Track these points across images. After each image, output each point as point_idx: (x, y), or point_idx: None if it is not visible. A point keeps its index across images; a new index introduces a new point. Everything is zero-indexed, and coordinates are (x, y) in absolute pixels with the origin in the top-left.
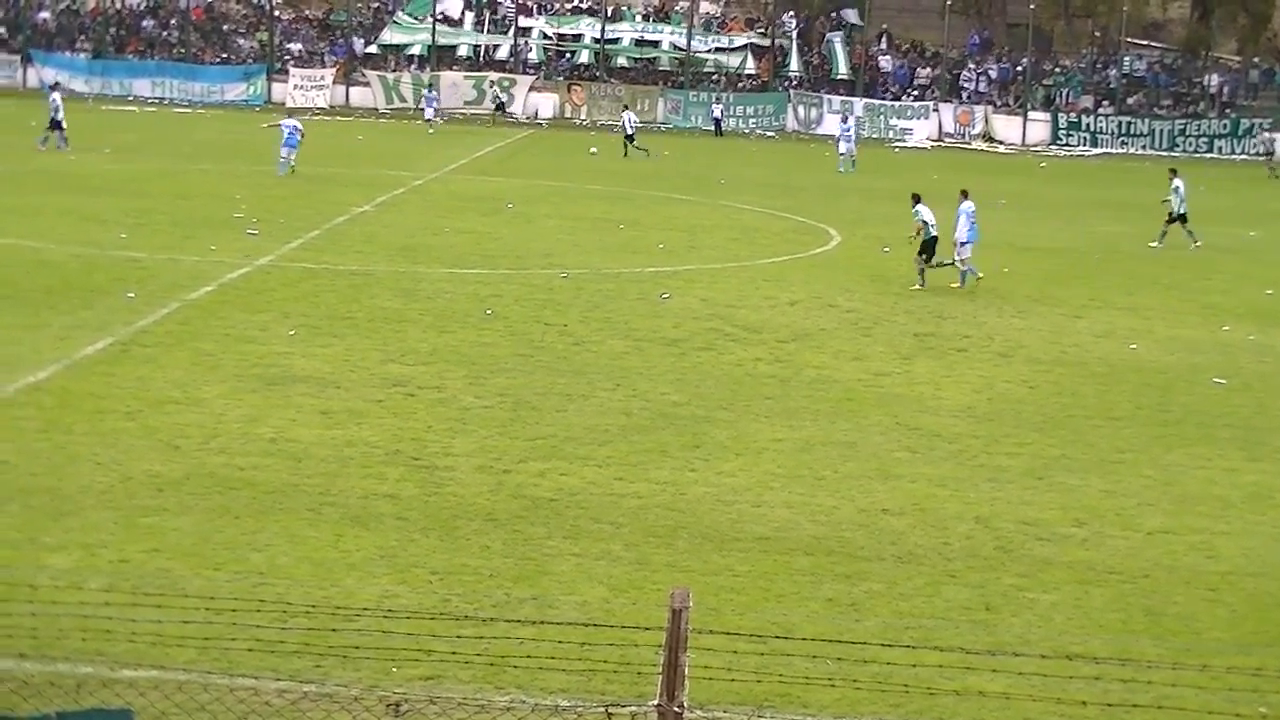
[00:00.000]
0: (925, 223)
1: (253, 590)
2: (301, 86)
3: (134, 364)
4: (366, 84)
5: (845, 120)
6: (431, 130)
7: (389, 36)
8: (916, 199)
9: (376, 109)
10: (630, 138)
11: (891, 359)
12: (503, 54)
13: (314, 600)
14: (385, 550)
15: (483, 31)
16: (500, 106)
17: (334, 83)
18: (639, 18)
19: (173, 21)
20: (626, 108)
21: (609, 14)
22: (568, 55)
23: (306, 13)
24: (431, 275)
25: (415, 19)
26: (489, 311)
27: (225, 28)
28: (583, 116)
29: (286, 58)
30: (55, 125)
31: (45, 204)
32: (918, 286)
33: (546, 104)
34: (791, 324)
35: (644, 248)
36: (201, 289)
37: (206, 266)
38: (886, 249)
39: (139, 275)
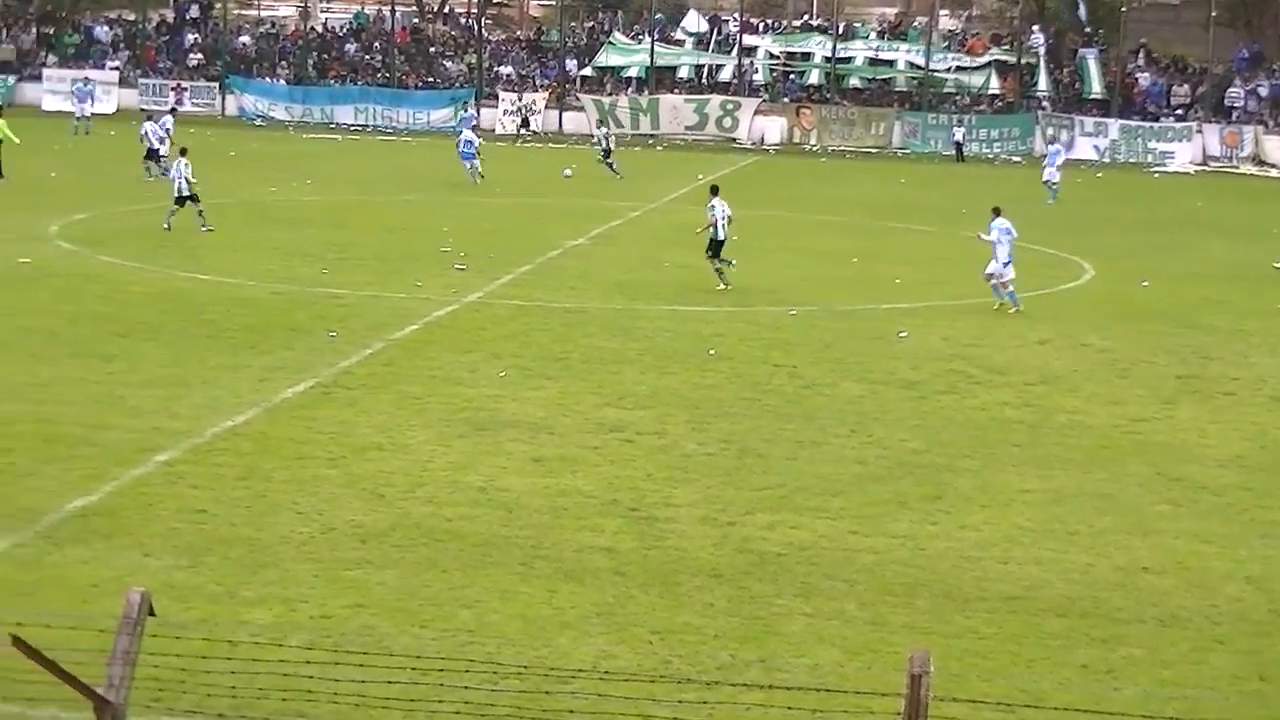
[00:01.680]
0: (715, 221)
1: (461, 649)
2: (512, 112)
3: (336, 407)
4: (581, 108)
5: (1053, 143)
6: (477, 179)
7: (605, 58)
8: (714, 191)
9: (591, 134)
10: (607, 153)
11: (1151, 403)
12: (726, 75)
13: (526, 660)
14: (601, 607)
15: (705, 51)
16: (525, 123)
17: (546, 107)
18: (873, 35)
19: (376, 45)
20: (602, 123)
21: (840, 31)
22: (795, 76)
23: (517, 34)
24: (650, 313)
25: (632, 40)
26: (712, 351)
27: (431, 50)
28: (812, 141)
29: (497, 81)
30: (152, 155)
31: (245, 238)
32: (721, 288)
33: (773, 128)
34: (1041, 365)
35: (879, 282)
36: (406, 327)
37: (412, 303)
38: (1145, 283)
39: (341, 313)
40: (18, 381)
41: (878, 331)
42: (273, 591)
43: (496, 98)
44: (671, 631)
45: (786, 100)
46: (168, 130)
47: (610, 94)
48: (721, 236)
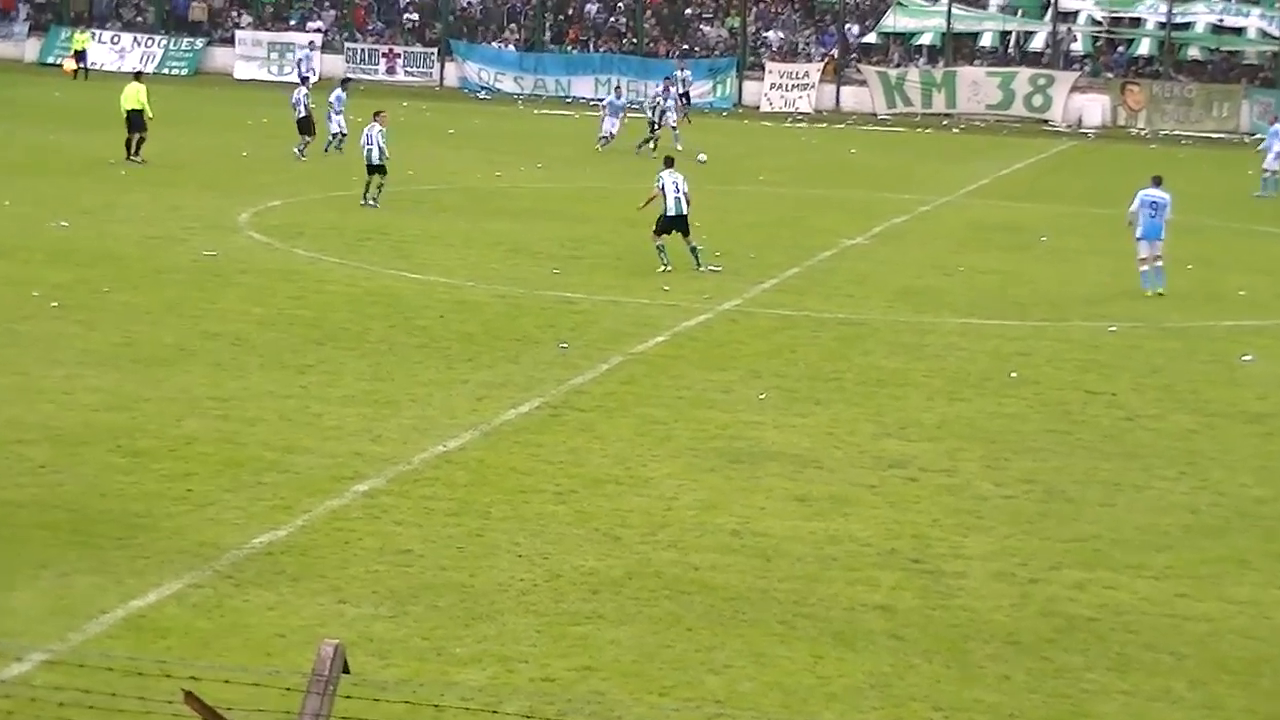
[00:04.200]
0: (665, 193)
1: None
2: (780, 86)
3: (566, 432)
4: (862, 82)
5: (1276, 122)
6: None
7: (893, 21)
8: (668, 163)
9: (874, 114)
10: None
11: None
12: (1038, 43)
13: None
14: (876, 677)
15: (1013, 15)
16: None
17: (821, 81)
18: None
19: (622, 6)
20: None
21: None
22: (1122, 46)
23: None
24: (941, 326)
25: (926, 1)
26: (1014, 374)
27: (687, 12)
28: (1140, 124)
29: (762, 50)
30: (305, 127)
31: (464, 231)
32: (662, 269)
33: (1093, 108)
34: None
35: (1219, 294)
36: (651, 339)
37: (657, 311)
38: None
39: (574, 320)
40: (198, 394)
41: (1216, 353)
42: (487, 648)
43: (762, 68)
44: (959, 709)
45: (1110, 75)
46: (328, 101)
47: (898, 65)
48: (676, 212)
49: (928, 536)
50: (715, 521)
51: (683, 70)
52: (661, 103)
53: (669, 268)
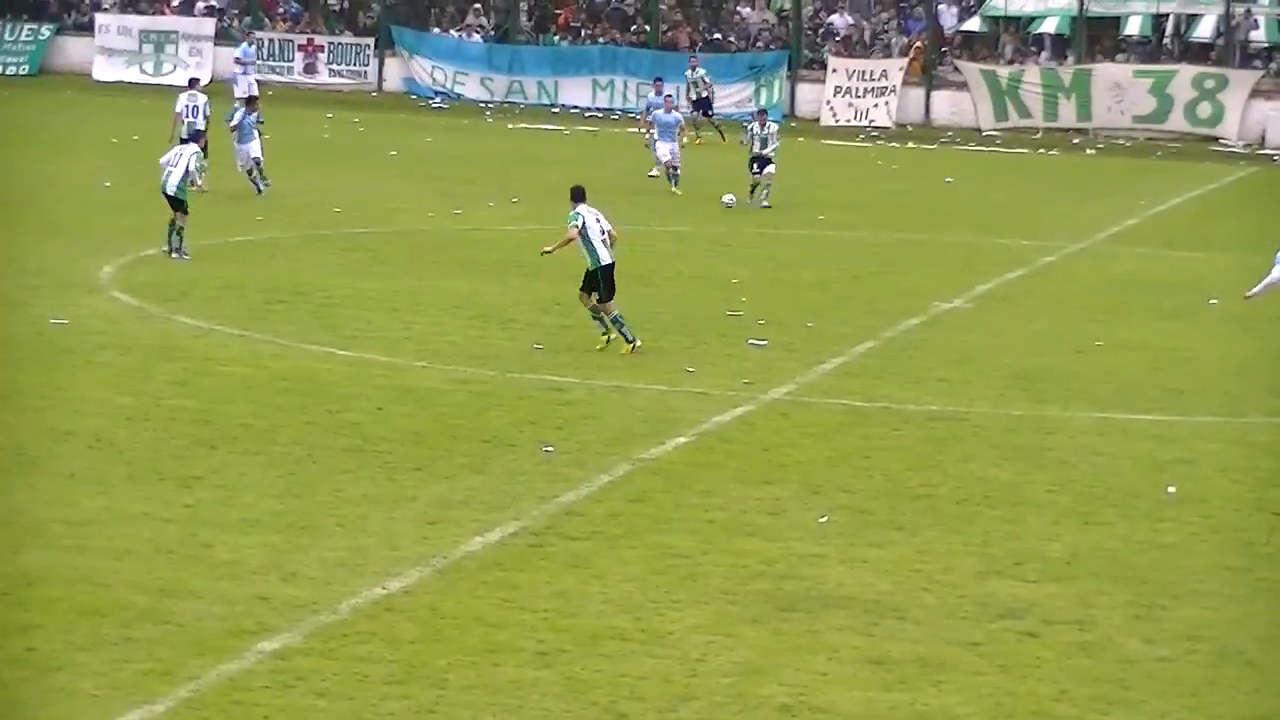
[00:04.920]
0: (586, 235)
1: None
2: (849, 90)
3: (553, 569)
4: (962, 84)
5: None
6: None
7: (1003, 2)
8: (577, 197)
9: (978, 128)
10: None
11: None
12: (1204, 31)
13: None
14: None
15: None
16: (701, 106)
17: (904, 83)
18: None
19: None
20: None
21: None
22: None
23: None
24: (1070, 422)
25: None
26: (1171, 489)
27: None
28: None
29: (823, 40)
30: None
31: (411, 289)
32: (602, 345)
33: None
34: None
35: None
36: (669, 440)
37: (678, 401)
38: None
39: (563, 414)
40: (42, 517)
41: None
42: None
43: (823, 66)
44: None
45: None
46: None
47: (1010, 62)
48: (602, 261)
49: (1053, 715)
50: (759, 693)
51: (695, 69)
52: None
53: (609, 340)
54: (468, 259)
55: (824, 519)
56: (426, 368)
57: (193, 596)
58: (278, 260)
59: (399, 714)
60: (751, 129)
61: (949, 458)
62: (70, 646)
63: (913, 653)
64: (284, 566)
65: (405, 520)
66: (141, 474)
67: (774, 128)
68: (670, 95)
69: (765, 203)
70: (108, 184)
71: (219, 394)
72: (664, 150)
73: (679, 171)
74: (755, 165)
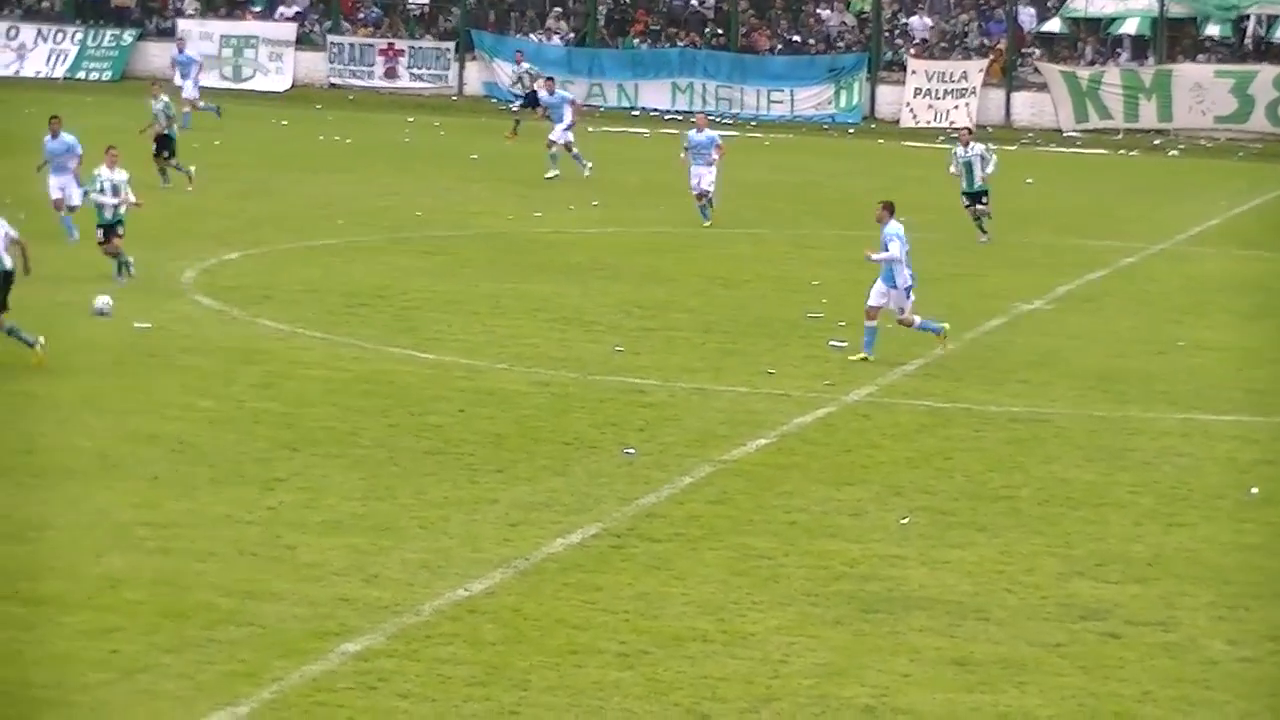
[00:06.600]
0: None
1: None
2: (929, 92)
3: (634, 571)
4: (1042, 85)
5: None
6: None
7: (1083, 3)
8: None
9: (1059, 129)
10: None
11: None
12: None
13: None
14: None
15: None
16: (530, 101)
17: (984, 84)
18: None
19: None
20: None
21: None
22: None
23: None
24: (1154, 425)
25: None
26: (1254, 490)
27: None
28: None
29: (903, 43)
30: (163, 144)
31: (493, 293)
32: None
33: None
34: None
35: None
36: (750, 442)
37: (759, 403)
38: None
39: (644, 416)
40: (124, 520)
41: None
42: None
43: (903, 67)
44: None
45: None
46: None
47: (1091, 63)
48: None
49: (1136, 716)
50: (841, 694)
51: (520, 63)
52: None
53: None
54: (548, 262)
55: (905, 520)
56: (507, 370)
57: (276, 598)
58: (358, 263)
59: (481, 715)
60: (955, 153)
61: (1031, 459)
62: (154, 648)
63: (995, 654)
64: (366, 568)
65: (487, 522)
66: (224, 476)
67: (979, 149)
68: (704, 113)
69: (984, 235)
70: (189, 189)
71: (301, 397)
72: (695, 176)
73: (711, 200)
74: (968, 200)
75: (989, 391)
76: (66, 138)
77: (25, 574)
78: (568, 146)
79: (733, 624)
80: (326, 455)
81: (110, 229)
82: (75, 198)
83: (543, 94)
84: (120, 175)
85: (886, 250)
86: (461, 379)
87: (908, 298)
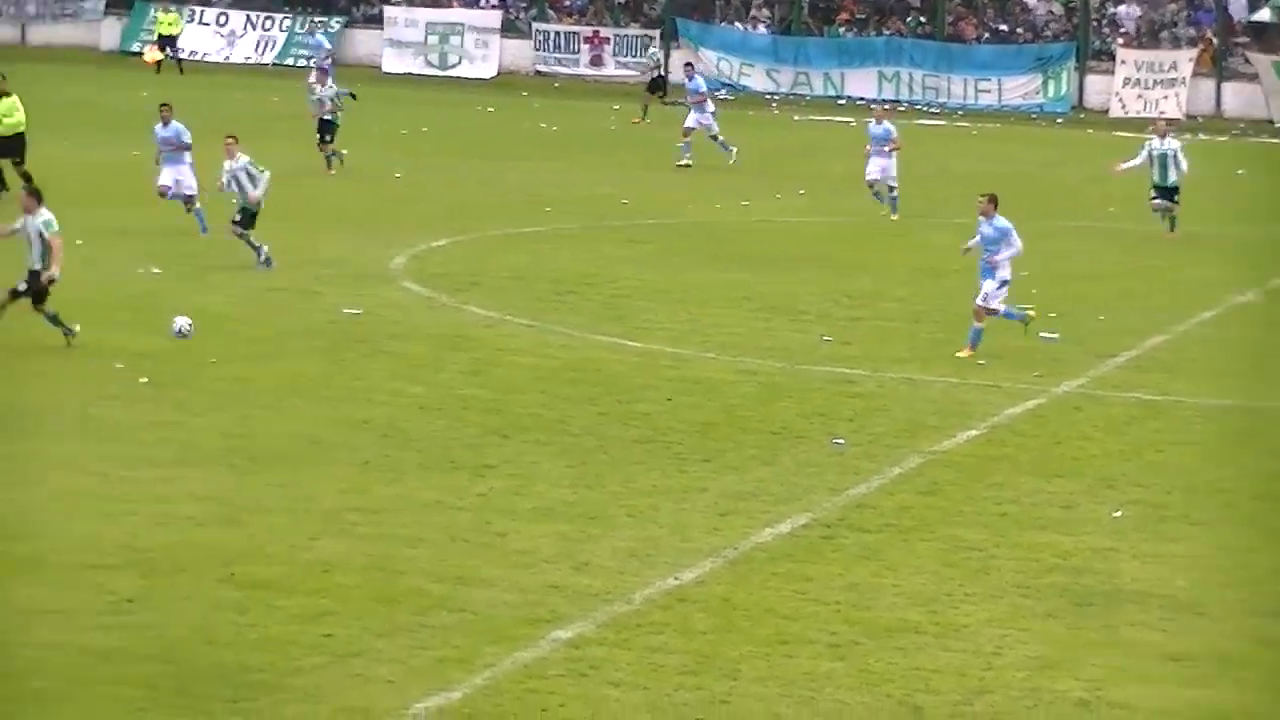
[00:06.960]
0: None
1: None
2: (1138, 82)
3: (844, 561)
4: (1253, 76)
5: None
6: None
7: None
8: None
9: (1271, 120)
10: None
11: None
12: None
13: None
14: None
15: None
16: (657, 84)
17: (1194, 75)
18: None
19: None
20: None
21: None
22: None
23: None
24: None
25: None
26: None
27: None
28: None
29: (1111, 33)
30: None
31: (699, 281)
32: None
33: None
34: None
35: None
36: (961, 433)
37: (969, 394)
38: None
39: (853, 406)
40: (335, 505)
41: None
42: None
43: (1111, 58)
44: None
45: None
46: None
47: None
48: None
49: None
50: (1054, 688)
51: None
52: None
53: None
54: (755, 251)
55: (1118, 513)
56: (714, 359)
57: (486, 585)
58: (565, 251)
59: (692, 704)
60: (1149, 144)
61: (1248, 451)
62: (367, 633)
63: (1211, 649)
64: (576, 556)
65: (696, 511)
66: (434, 462)
67: (1175, 144)
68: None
69: (1172, 231)
70: (398, 175)
71: (509, 384)
72: (874, 168)
73: (895, 193)
74: (1156, 194)
75: (1201, 384)
76: (176, 125)
77: (239, 558)
78: (714, 136)
79: (945, 616)
80: (535, 442)
81: (250, 215)
82: (189, 187)
83: (687, 82)
84: (239, 161)
85: (1014, 246)
86: (668, 367)
87: (1000, 289)
